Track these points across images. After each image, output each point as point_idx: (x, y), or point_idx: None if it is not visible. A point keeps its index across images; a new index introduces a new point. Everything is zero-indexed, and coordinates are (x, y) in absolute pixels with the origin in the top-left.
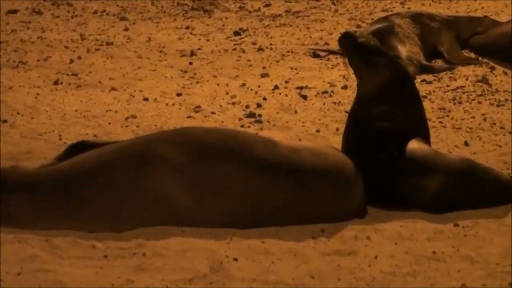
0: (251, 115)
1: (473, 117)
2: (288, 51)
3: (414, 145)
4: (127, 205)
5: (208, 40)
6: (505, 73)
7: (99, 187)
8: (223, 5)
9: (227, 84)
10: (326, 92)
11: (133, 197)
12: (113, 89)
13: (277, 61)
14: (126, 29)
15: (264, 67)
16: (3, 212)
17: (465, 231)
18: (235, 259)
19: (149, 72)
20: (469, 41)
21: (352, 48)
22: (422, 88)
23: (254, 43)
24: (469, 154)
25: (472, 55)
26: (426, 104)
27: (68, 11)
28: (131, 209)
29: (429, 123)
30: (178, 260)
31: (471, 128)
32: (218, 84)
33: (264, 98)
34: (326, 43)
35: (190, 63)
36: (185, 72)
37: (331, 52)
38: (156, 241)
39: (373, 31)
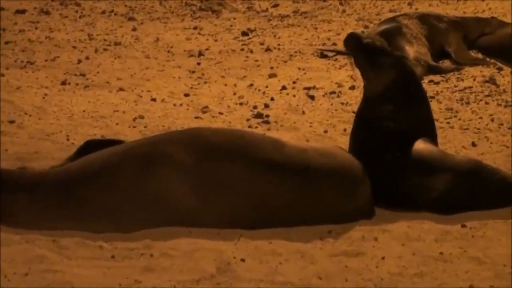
0: (258, 115)
1: (480, 118)
2: (295, 52)
3: (421, 145)
4: (134, 206)
5: (216, 41)
6: None
7: (106, 188)
8: (231, 6)
9: (235, 85)
10: (333, 92)
11: (140, 198)
12: (121, 89)
13: (285, 62)
14: (134, 29)
15: (271, 68)
16: (8, 212)
17: (472, 232)
18: (243, 260)
19: (157, 72)
20: (476, 41)
21: (357, 48)
22: (429, 89)
23: (262, 44)
24: (477, 154)
25: (480, 55)
26: (433, 104)
27: (76, 11)
28: (138, 209)
29: (437, 124)
30: (186, 261)
31: (478, 129)
32: (225, 85)
33: (272, 99)
34: (334, 44)
35: (198, 64)
36: (193, 72)
37: (338, 52)
38: (164, 242)
39: (380, 32)
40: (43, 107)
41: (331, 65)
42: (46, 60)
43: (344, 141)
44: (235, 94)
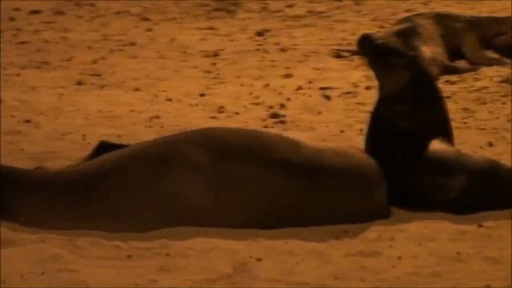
0: (274, 115)
1: (497, 118)
2: (311, 52)
3: (437, 145)
4: (150, 205)
5: (231, 41)
6: None
7: (122, 187)
8: (246, 6)
9: (250, 85)
10: (349, 92)
11: (155, 197)
12: (137, 89)
13: (300, 62)
14: (149, 30)
15: (287, 68)
16: (24, 212)
17: (489, 232)
18: (259, 260)
19: (172, 72)
20: (492, 41)
21: (370, 50)
22: (445, 89)
23: (277, 44)
24: (493, 155)
25: (496, 55)
26: (450, 104)
27: (91, 12)
28: (153, 209)
29: (453, 124)
30: (202, 261)
31: (495, 129)
32: (241, 85)
33: (288, 99)
34: (349, 44)
35: (214, 64)
36: (208, 72)
37: (354, 52)
38: (180, 242)
39: (396, 32)
40: (58, 107)
41: (347, 65)
42: (61, 60)
43: (360, 141)
44: (250, 94)
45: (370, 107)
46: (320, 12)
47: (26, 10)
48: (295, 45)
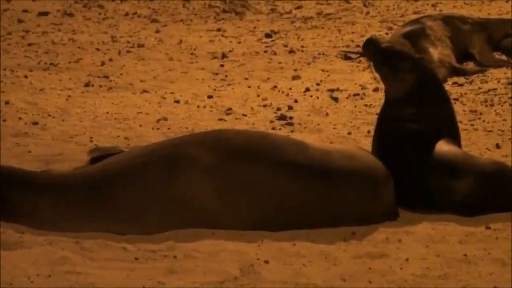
0: (282, 117)
1: (504, 120)
2: (319, 53)
3: (445, 147)
4: (157, 207)
5: (239, 43)
6: None
7: (129, 189)
8: (255, 8)
9: (258, 87)
10: (357, 94)
11: (163, 199)
12: (145, 91)
13: (309, 64)
14: (157, 31)
15: (295, 70)
16: (31, 214)
17: (496, 234)
18: (266, 262)
19: (180, 74)
20: (500, 43)
21: (376, 53)
22: (453, 91)
23: (285, 46)
24: (501, 157)
25: (504, 57)
26: (457, 106)
27: (99, 13)
28: (161, 211)
29: (461, 126)
30: (209, 263)
31: (502, 131)
32: (249, 87)
33: (296, 101)
34: (358, 46)
35: (222, 65)
36: (217, 74)
37: (362, 54)
38: (187, 244)
39: (404, 33)
40: (66, 109)
41: (355, 67)
42: (69, 62)
43: (367, 143)
44: (258, 96)
45: (377, 109)
46: (329, 14)
47: (34, 12)
48: (303, 47)
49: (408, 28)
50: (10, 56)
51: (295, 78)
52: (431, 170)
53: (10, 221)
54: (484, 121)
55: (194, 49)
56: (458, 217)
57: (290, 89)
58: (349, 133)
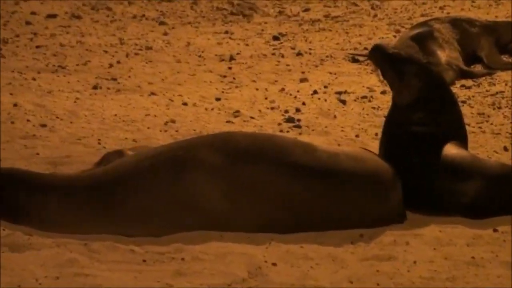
0: (290, 120)
1: None
2: (327, 56)
3: (453, 150)
4: (165, 209)
5: (247, 45)
6: None
7: (137, 191)
8: (262, 10)
9: (266, 89)
10: (365, 97)
11: (171, 201)
12: (152, 93)
13: (316, 66)
14: (165, 34)
15: (303, 72)
16: (39, 216)
17: (504, 237)
18: (274, 264)
19: (188, 76)
20: (508, 46)
21: (383, 60)
22: (461, 93)
23: (293, 48)
24: (508, 159)
25: None
26: (465, 109)
27: (107, 16)
28: (169, 213)
29: (468, 128)
30: (217, 265)
31: (510, 134)
32: (257, 89)
33: (303, 103)
34: (365, 48)
35: (229, 68)
36: (224, 76)
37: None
38: (195, 246)
39: (412, 36)
40: (74, 111)
41: (363, 69)
42: (77, 64)
43: (375, 146)
44: (266, 98)
45: (385, 112)
46: (336, 17)
47: (42, 14)
48: (311, 49)
49: (416, 31)
50: (18, 58)
51: (302, 80)
52: (439, 172)
53: (18, 223)
54: (491, 123)
55: (202, 52)
56: (465, 219)
57: (298, 91)
58: (356, 136)
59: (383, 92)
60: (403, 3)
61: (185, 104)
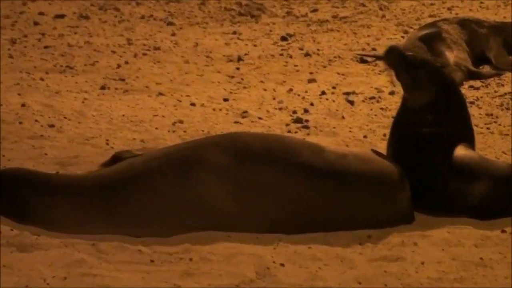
0: (298, 120)
1: None
2: (335, 57)
3: (461, 151)
4: (174, 210)
5: (255, 45)
6: None
7: (145, 192)
8: (270, 11)
9: (274, 90)
10: (373, 97)
11: (179, 202)
12: (160, 94)
13: (324, 67)
14: (173, 34)
15: (311, 73)
16: (47, 216)
17: None
18: (282, 265)
19: (196, 77)
20: None
21: (400, 63)
22: (469, 94)
23: (301, 49)
24: None
25: None
26: (473, 110)
27: (115, 16)
28: (177, 213)
29: (477, 129)
30: (225, 265)
31: None
32: (265, 90)
33: (311, 104)
34: (373, 49)
35: (237, 68)
36: (232, 77)
37: (378, 57)
38: (203, 246)
39: (420, 37)
40: (82, 112)
41: (371, 70)
42: (85, 65)
43: (383, 146)
44: (274, 99)
45: (393, 113)
46: (344, 17)
47: (50, 15)
48: (319, 50)
49: (424, 32)
50: (26, 58)
51: (310, 81)
52: (447, 173)
53: (26, 223)
54: (500, 124)
55: (210, 52)
56: (473, 220)
57: (306, 92)
58: (365, 137)
59: (392, 93)
60: (411, 3)
61: (193, 104)
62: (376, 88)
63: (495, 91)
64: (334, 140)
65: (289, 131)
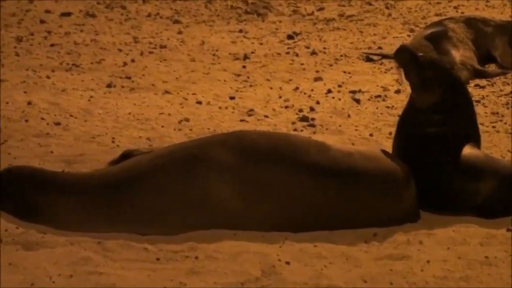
0: (304, 119)
1: None
2: (341, 55)
3: (467, 150)
4: (179, 208)
5: (261, 44)
6: None
7: (151, 190)
8: (277, 9)
9: (280, 88)
10: (379, 96)
11: (185, 200)
12: (167, 92)
13: (330, 65)
14: (179, 32)
15: (317, 71)
16: (53, 214)
17: None
18: (287, 263)
19: (202, 75)
20: None
21: (411, 62)
22: (475, 93)
23: (307, 47)
24: None
25: None
26: (479, 109)
27: (122, 14)
28: (183, 211)
29: (482, 128)
30: (231, 264)
31: None
32: (271, 88)
33: (317, 102)
34: (379, 47)
35: (244, 67)
36: (239, 75)
37: (384, 56)
38: (209, 244)
39: (426, 36)
40: (88, 109)
41: (377, 68)
42: (91, 63)
43: (389, 145)
44: (280, 97)
45: (399, 111)
46: (351, 16)
47: (57, 13)
48: (325, 48)
49: (430, 30)
50: (32, 56)
51: (317, 79)
52: (453, 172)
53: (32, 221)
54: (505, 123)
55: (216, 50)
56: (479, 219)
57: (312, 90)
58: (370, 135)
59: (397, 91)
60: (418, 2)
61: (199, 102)
62: (382, 87)
63: (501, 90)
64: (340, 139)
65: (295, 130)
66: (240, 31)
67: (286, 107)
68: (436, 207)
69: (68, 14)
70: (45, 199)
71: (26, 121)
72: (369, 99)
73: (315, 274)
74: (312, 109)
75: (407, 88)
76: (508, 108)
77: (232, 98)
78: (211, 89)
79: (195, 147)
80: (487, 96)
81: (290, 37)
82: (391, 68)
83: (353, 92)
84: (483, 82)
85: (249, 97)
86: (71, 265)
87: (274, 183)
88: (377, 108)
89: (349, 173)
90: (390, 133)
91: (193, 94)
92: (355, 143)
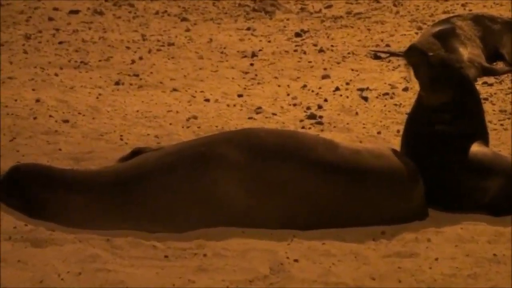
0: (312, 116)
1: None
2: (349, 53)
3: (475, 147)
4: (188, 206)
5: (269, 41)
6: None
7: (160, 188)
8: (284, 7)
9: (288, 86)
10: (387, 94)
11: (194, 198)
12: (175, 89)
13: (338, 63)
14: (187, 30)
15: (325, 69)
16: (62, 212)
17: None
18: (296, 260)
19: (210, 73)
20: None
21: (421, 62)
22: (483, 91)
23: (315, 45)
24: None
25: None
26: (487, 106)
27: (130, 12)
28: (191, 209)
29: (490, 126)
30: (239, 261)
31: None
32: (279, 85)
33: (325, 100)
34: (387, 45)
35: (251, 64)
36: (246, 73)
37: (392, 54)
38: (217, 242)
39: (434, 33)
40: (97, 107)
41: (385, 66)
42: (99, 60)
43: (397, 143)
44: (288, 95)
45: (407, 109)
46: (358, 13)
47: (65, 10)
48: (333, 46)
49: (438, 28)
50: (40, 54)
51: (324, 77)
52: (461, 170)
53: (40, 219)
54: None
55: (224, 48)
56: (487, 216)
57: (320, 88)
58: (378, 133)
59: (405, 89)
60: (425, 0)
61: (207, 100)
62: (390, 84)
63: (509, 88)
64: (348, 136)
65: (303, 127)
66: (248, 28)
67: (294, 104)
68: (444, 205)
69: (76, 11)
70: (53, 196)
71: (35, 118)
72: (377, 97)
73: (323, 272)
74: (320, 106)
75: (415, 86)
76: None
77: (240, 95)
78: (219, 86)
79: (203, 145)
80: (495, 93)
81: (297, 34)
82: (399, 65)
83: (361, 89)
84: (491, 79)
85: (257, 95)
86: (79, 263)
87: (282, 181)
88: (385, 105)
89: (357, 171)
90: (398, 131)
91: (201, 91)
92: (363, 141)
